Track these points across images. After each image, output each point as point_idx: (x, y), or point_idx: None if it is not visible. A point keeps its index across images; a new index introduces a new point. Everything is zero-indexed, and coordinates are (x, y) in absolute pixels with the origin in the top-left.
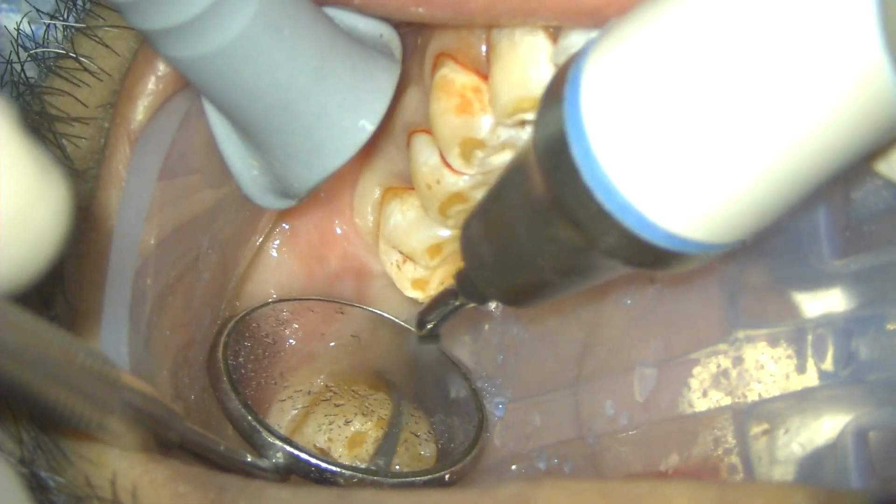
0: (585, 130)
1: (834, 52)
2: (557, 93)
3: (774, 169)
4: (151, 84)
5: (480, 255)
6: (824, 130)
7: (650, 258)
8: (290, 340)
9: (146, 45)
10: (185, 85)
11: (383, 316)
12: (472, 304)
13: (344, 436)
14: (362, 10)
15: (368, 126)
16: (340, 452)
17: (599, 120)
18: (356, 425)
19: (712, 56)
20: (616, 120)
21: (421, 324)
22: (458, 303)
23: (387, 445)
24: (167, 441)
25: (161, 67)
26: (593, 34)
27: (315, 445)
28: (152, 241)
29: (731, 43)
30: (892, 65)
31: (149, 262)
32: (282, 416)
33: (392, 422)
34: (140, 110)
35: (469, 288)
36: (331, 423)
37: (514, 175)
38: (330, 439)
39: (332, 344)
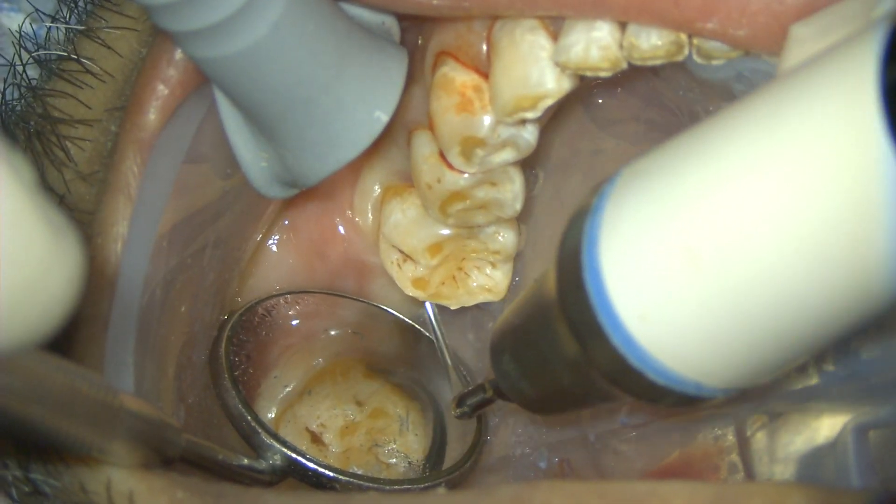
0: (600, 265)
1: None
2: (582, 215)
3: (761, 321)
4: (161, 89)
5: (505, 369)
6: (818, 297)
7: (641, 387)
8: (291, 333)
9: (153, 50)
10: (195, 89)
11: (386, 311)
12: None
13: (337, 424)
14: (366, 2)
15: (383, 117)
16: (331, 439)
17: (612, 259)
18: (350, 415)
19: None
20: (624, 256)
21: (459, 403)
22: (488, 395)
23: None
24: (168, 458)
25: (170, 72)
26: (595, 32)
27: (307, 428)
28: (164, 244)
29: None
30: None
31: (158, 265)
32: (273, 392)
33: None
34: (151, 116)
35: (499, 391)
36: (325, 409)
37: (532, 298)
38: (323, 424)
39: (332, 332)
